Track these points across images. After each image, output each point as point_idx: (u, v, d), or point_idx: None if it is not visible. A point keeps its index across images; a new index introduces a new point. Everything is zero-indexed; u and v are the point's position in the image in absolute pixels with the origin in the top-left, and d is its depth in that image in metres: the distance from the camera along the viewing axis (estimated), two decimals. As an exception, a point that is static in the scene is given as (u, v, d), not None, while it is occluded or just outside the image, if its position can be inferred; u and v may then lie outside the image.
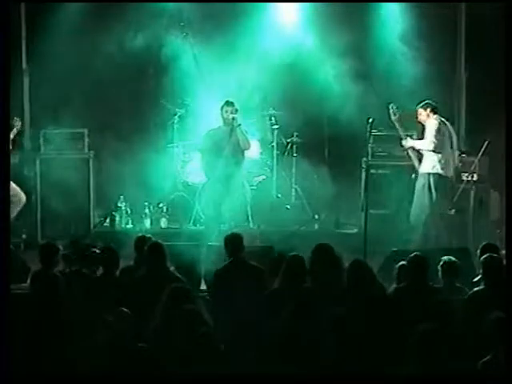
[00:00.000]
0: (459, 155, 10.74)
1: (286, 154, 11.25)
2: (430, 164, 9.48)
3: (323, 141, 11.88)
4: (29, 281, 6.86)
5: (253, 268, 6.98)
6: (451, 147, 9.59)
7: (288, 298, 6.17)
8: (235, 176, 9.95)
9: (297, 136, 11.21)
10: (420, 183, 9.54)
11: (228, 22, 11.08)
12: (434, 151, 9.43)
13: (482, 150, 10.11)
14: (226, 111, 9.83)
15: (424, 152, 9.54)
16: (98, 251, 7.25)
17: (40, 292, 6.33)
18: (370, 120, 9.31)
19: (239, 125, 9.83)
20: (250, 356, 5.83)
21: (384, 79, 10.91)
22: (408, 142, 9.61)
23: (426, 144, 9.46)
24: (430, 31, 11.02)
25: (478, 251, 7.07)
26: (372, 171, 9.54)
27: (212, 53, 10.96)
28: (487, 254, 6.58)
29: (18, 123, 9.70)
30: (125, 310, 5.69)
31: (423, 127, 9.61)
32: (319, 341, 5.67)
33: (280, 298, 6.28)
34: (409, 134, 9.72)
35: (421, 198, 9.47)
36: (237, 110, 9.84)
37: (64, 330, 5.86)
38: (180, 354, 5.37)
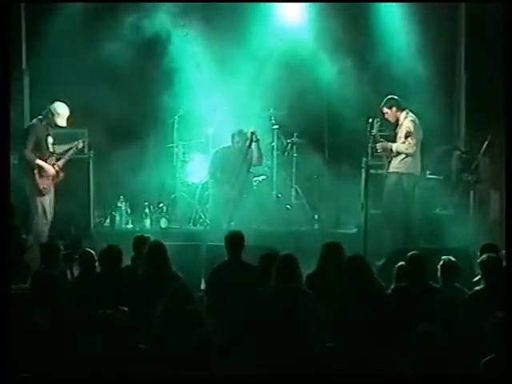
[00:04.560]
0: (459, 155, 10.78)
1: (285, 153, 11.25)
2: (402, 163, 9.46)
3: (323, 141, 11.89)
4: (29, 281, 6.86)
5: (248, 266, 7.00)
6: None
7: (280, 296, 6.19)
8: (245, 179, 10.02)
9: (297, 136, 11.22)
10: (391, 182, 9.52)
11: (229, 22, 11.08)
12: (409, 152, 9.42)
13: (483, 149, 10.11)
14: (238, 142, 10.06)
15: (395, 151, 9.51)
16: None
17: (40, 292, 6.32)
18: (370, 120, 9.33)
19: (258, 140, 10.00)
20: (247, 355, 5.84)
21: (384, 79, 10.91)
22: (386, 145, 9.54)
23: (407, 147, 9.41)
24: (429, 31, 11.02)
25: (478, 251, 7.09)
26: (372, 171, 9.53)
27: (212, 52, 10.97)
28: (486, 255, 6.60)
29: (80, 145, 9.78)
30: (125, 309, 5.69)
31: (396, 124, 9.56)
32: (313, 340, 5.69)
33: (272, 296, 6.30)
34: (384, 134, 9.67)
35: (394, 198, 9.46)
36: (252, 134, 9.98)
37: (64, 330, 5.86)
38: (180, 354, 5.37)
